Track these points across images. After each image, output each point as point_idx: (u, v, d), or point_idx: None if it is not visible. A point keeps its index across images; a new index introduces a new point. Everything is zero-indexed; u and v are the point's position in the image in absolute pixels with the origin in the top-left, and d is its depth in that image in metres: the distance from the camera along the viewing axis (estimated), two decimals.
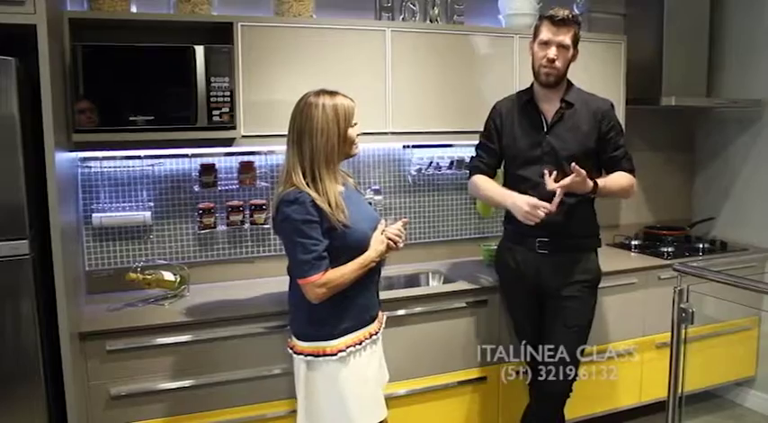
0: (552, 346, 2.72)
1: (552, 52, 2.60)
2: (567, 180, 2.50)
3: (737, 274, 2.79)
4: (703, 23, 3.85)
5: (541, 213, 2.52)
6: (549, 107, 2.72)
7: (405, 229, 2.35)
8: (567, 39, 2.59)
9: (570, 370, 2.72)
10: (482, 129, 2.92)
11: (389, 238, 2.28)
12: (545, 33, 2.63)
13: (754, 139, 3.85)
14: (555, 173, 2.55)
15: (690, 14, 3.77)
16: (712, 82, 3.96)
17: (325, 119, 2.13)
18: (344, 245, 2.16)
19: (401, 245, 2.32)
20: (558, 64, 2.61)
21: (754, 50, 3.78)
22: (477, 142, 2.91)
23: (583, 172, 2.48)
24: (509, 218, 2.86)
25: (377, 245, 2.24)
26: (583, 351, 2.76)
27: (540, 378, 2.78)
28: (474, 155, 2.92)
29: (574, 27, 2.61)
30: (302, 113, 2.16)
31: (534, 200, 2.55)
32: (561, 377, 2.71)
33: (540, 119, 2.72)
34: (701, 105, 3.96)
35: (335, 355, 2.18)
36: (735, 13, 3.88)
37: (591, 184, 2.55)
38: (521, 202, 2.57)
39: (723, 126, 4.04)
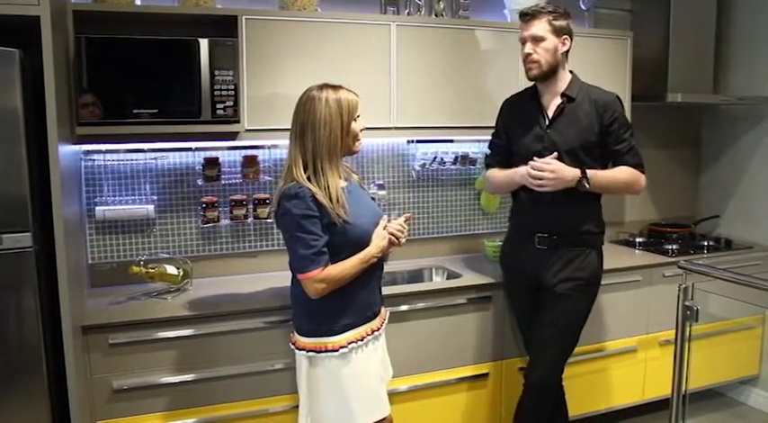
0: (538, 340, 2.74)
1: (527, 48, 2.64)
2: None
3: (742, 271, 2.77)
4: (710, 19, 3.83)
5: (538, 173, 2.56)
6: (551, 102, 2.71)
7: (407, 224, 2.34)
8: (538, 30, 2.60)
9: (552, 365, 2.73)
10: (486, 124, 2.94)
11: (391, 234, 2.27)
12: (520, 32, 2.68)
13: (761, 137, 3.83)
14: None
15: (696, 10, 3.75)
16: (719, 79, 3.94)
17: (328, 112, 2.12)
18: (345, 240, 2.15)
19: (403, 240, 2.31)
20: (535, 57, 2.62)
21: (762, 47, 3.76)
22: (481, 137, 2.92)
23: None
24: (513, 213, 2.89)
25: (378, 240, 2.23)
26: (570, 349, 2.76)
27: (526, 369, 2.82)
28: (487, 153, 2.94)
29: (545, 17, 2.60)
30: (305, 107, 2.15)
31: (531, 163, 2.60)
32: (542, 371, 2.72)
33: (541, 114, 2.71)
34: (707, 102, 3.94)
35: (337, 350, 2.17)
36: (742, 9, 3.86)
37: (576, 172, 2.56)
38: (524, 171, 2.64)
39: (729, 123, 4.02)
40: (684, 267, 2.66)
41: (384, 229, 2.27)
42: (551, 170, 2.55)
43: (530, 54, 2.63)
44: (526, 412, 2.80)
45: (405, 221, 2.33)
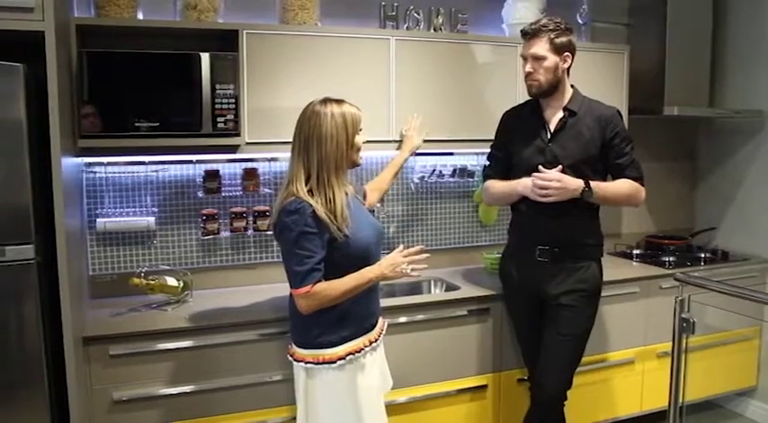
0: (546, 353, 2.73)
1: (527, 66, 2.66)
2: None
3: (739, 283, 2.79)
4: (706, 34, 3.87)
5: (544, 183, 2.57)
6: (553, 115, 2.73)
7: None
8: (539, 50, 2.61)
9: (563, 377, 2.73)
10: (485, 137, 2.96)
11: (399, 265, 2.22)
12: (521, 49, 2.71)
13: (757, 150, 3.86)
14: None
15: (692, 25, 3.79)
16: (715, 92, 3.98)
17: (334, 125, 2.14)
18: (347, 255, 2.16)
19: (413, 272, 2.27)
20: (537, 76, 2.64)
21: (757, 61, 3.80)
22: (479, 150, 2.93)
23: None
24: (513, 226, 2.90)
25: (387, 271, 2.20)
26: (578, 360, 2.77)
27: (535, 383, 2.82)
28: (486, 164, 2.94)
29: (545, 35, 2.60)
30: (310, 121, 2.16)
31: (536, 174, 2.60)
32: (553, 384, 2.72)
33: (543, 127, 2.73)
34: (703, 115, 3.98)
35: (335, 362, 2.18)
36: (737, 23, 3.90)
37: (580, 182, 2.58)
38: (528, 182, 2.64)
39: (725, 136, 4.05)
40: (681, 280, 2.67)
41: (402, 258, 2.23)
42: (557, 180, 2.57)
43: (530, 73, 2.65)
44: None
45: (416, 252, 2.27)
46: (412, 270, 2.25)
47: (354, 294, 2.18)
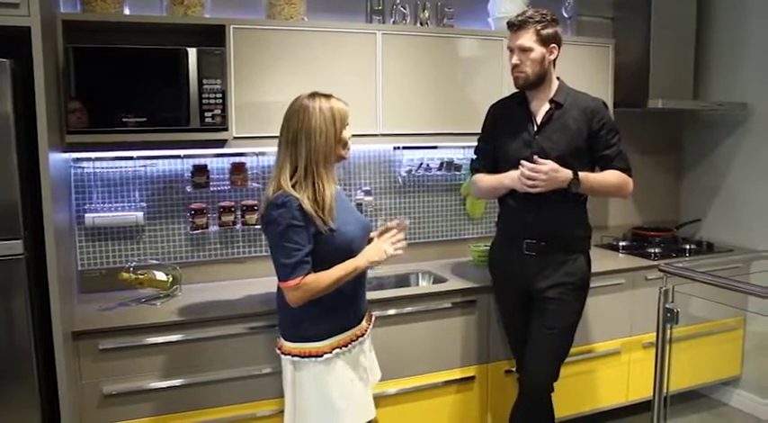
0: (533, 346, 2.76)
1: (514, 58, 2.67)
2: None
3: (723, 274, 2.82)
4: (690, 27, 3.90)
5: (532, 174, 2.56)
6: (539, 108, 2.74)
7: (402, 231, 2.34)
8: (525, 41, 2.62)
9: (549, 370, 2.75)
10: (471, 130, 2.97)
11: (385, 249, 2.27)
12: (508, 41, 2.71)
13: (740, 142, 3.90)
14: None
15: (677, 18, 3.82)
16: (699, 85, 4.01)
17: (323, 119, 2.15)
18: (333, 248, 2.18)
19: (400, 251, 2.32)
20: (523, 67, 2.65)
21: (740, 54, 3.83)
22: (466, 144, 2.94)
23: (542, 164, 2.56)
24: (501, 219, 2.92)
25: (372, 255, 2.24)
26: (565, 352, 2.79)
27: (522, 375, 2.84)
28: (473, 157, 2.95)
29: (532, 27, 2.61)
30: (298, 115, 2.17)
31: (525, 163, 2.59)
32: (540, 376, 2.74)
33: (530, 120, 2.74)
34: (687, 108, 4.01)
35: (322, 356, 2.20)
36: (721, 17, 3.93)
37: (568, 173, 2.58)
38: (515, 175, 2.64)
39: (710, 129, 4.09)
40: (665, 270, 2.71)
41: (383, 241, 2.28)
42: (545, 171, 2.56)
43: (517, 64, 2.66)
44: (526, 418, 2.84)
45: (399, 229, 2.33)
46: (395, 249, 2.28)
47: (343, 283, 2.19)
